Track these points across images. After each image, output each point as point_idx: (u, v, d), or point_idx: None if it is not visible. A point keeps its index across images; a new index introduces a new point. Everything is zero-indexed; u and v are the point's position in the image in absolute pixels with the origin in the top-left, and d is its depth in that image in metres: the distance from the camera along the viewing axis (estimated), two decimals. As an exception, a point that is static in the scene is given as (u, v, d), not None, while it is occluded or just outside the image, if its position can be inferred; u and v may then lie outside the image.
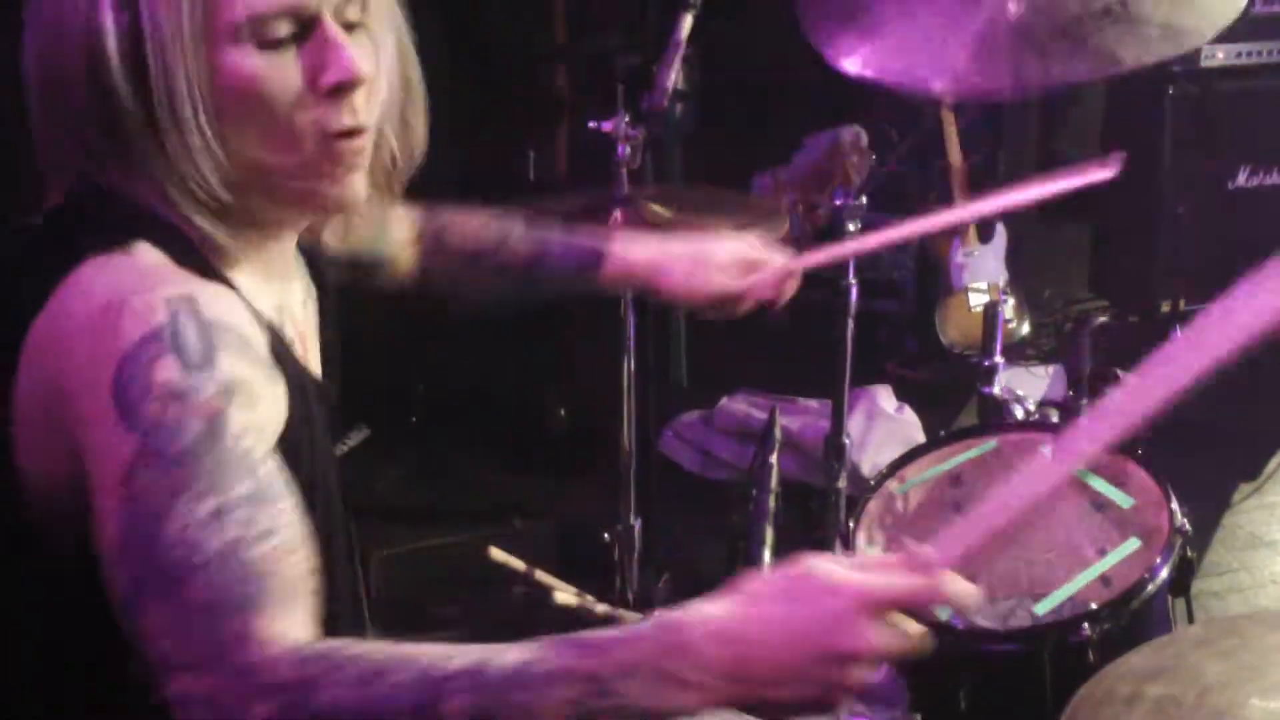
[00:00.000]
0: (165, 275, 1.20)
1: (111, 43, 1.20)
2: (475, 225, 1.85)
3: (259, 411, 1.19)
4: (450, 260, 1.78)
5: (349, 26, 1.28)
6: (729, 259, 1.78)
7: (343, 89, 1.26)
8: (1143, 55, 2.04)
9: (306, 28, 1.24)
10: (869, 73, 2.04)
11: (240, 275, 1.31)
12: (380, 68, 1.32)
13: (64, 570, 1.21)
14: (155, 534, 1.12)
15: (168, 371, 1.14)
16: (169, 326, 1.15)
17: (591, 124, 2.50)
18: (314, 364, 1.48)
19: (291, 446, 1.24)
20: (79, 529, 1.17)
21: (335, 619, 1.32)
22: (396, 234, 1.77)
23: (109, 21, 1.20)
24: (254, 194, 1.28)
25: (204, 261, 1.26)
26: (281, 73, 1.24)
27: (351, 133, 1.28)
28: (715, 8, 2.62)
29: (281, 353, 1.29)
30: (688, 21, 2.47)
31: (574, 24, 4.11)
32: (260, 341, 1.24)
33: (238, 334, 1.20)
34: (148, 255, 1.22)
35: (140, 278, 1.19)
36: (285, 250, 1.40)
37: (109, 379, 1.14)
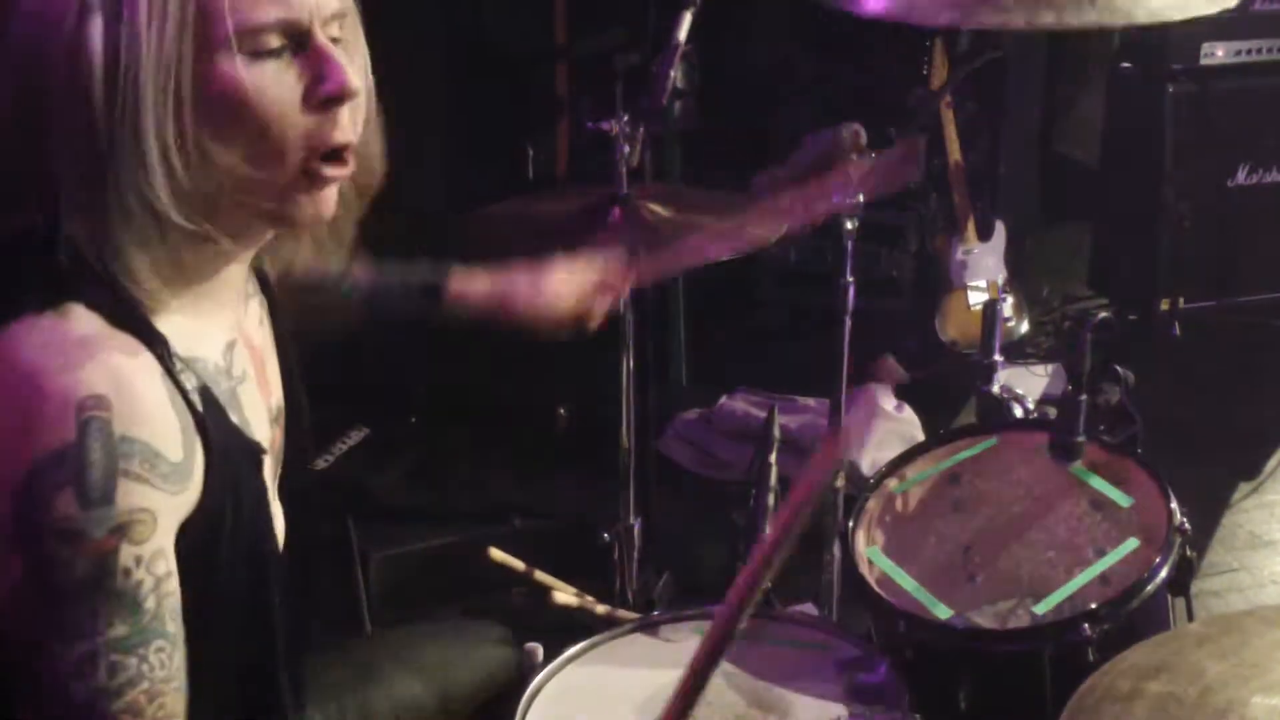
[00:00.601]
0: (90, 352, 1.20)
1: (97, 51, 1.19)
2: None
3: (154, 536, 1.22)
4: (291, 292, 1.78)
5: (334, 40, 1.30)
6: (568, 281, 1.81)
7: (335, 101, 1.27)
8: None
9: (298, 42, 1.26)
10: (885, 8, 2.04)
11: (183, 317, 1.31)
12: (361, 83, 1.33)
13: None
14: (28, 663, 1.19)
15: (66, 506, 1.17)
16: (76, 450, 1.17)
17: (591, 123, 2.50)
18: (274, 388, 1.49)
19: (203, 527, 1.27)
20: None
21: (265, 674, 1.40)
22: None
23: (97, 31, 1.20)
24: (223, 211, 1.28)
25: (140, 320, 1.26)
26: (274, 83, 1.25)
27: (338, 151, 1.30)
28: (715, 7, 2.62)
29: (211, 423, 1.29)
30: (687, 21, 2.47)
31: (574, 24, 4.11)
32: (174, 440, 1.24)
33: (146, 448, 1.21)
34: (79, 321, 1.22)
35: (64, 354, 1.19)
36: (241, 271, 1.41)
37: (8, 493, 1.17)
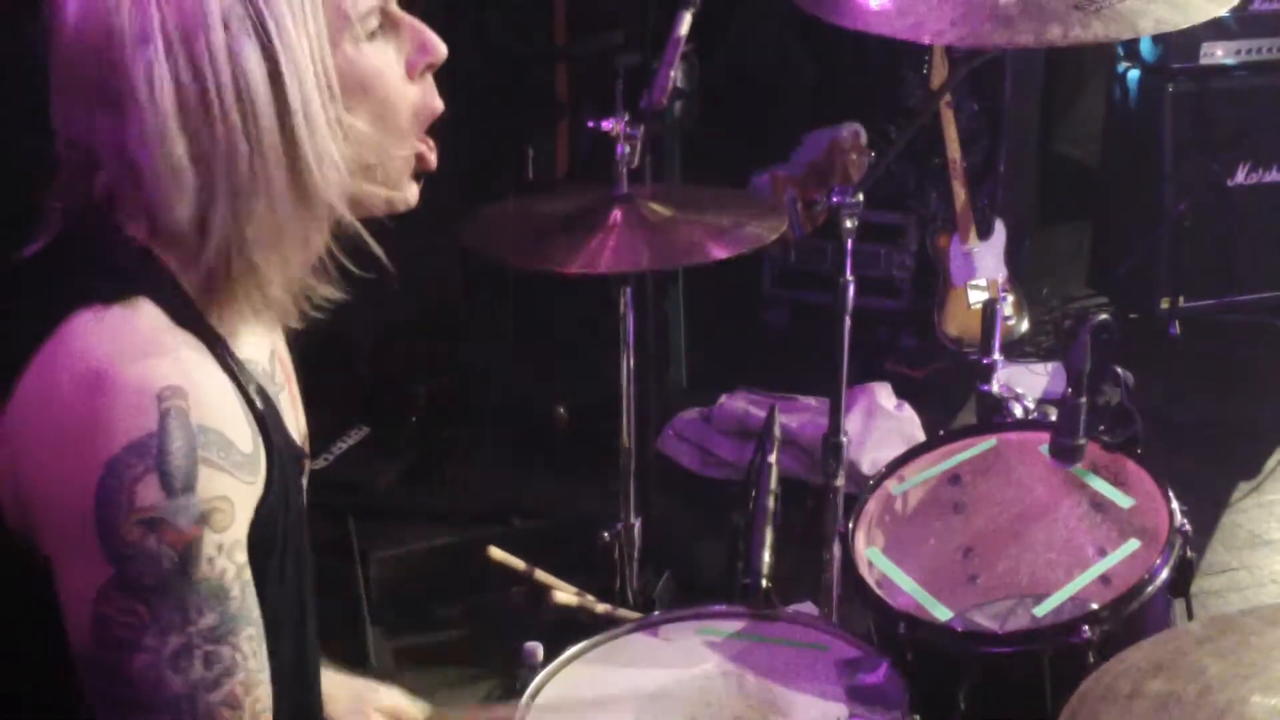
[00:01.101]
0: (161, 345, 1.21)
1: (259, 78, 1.20)
2: None
3: (234, 525, 1.22)
4: None
5: None
6: (385, 707, 1.82)
7: (435, 67, 1.32)
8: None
9: (389, 19, 1.30)
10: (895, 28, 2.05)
11: (236, 321, 1.32)
12: None
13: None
14: (121, 662, 1.18)
15: (150, 494, 1.16)
16: (157, 438, 1.17)
17: (591, 123, 2.50)
18: (300, 412, 1.50)
19: (266, 522, 1.28)
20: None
21: (304, 677, 1.41)
22: None
23: (253, 55, 1.20)
24: (331, 197, 1.28)
25: (199, 319, 1.26)
26: (386, 59, 1.29)
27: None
28: (715, 6, 2.62)
29: (269, 420, 1.30)
30: (687, 20, 2.47)
31: (574, 24, 4.11)
32: (244, 432, 1.24)
33: (221, 438, 1.21)
34: (146, 314, 1.22)
35: (136, 346, 1.19)
36: (293, 288, 1.40)
37: (93, 484, 1.16)
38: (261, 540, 1.27)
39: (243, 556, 1.23)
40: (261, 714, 1.25)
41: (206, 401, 1.20)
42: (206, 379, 1.22)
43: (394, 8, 1.30)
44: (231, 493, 1.21)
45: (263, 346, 1.38)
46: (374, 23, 1.27)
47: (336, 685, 1.75)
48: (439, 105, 1.34)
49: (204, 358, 1.24)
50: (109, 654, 1.18)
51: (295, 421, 1.46)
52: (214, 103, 1.20)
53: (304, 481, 1.43)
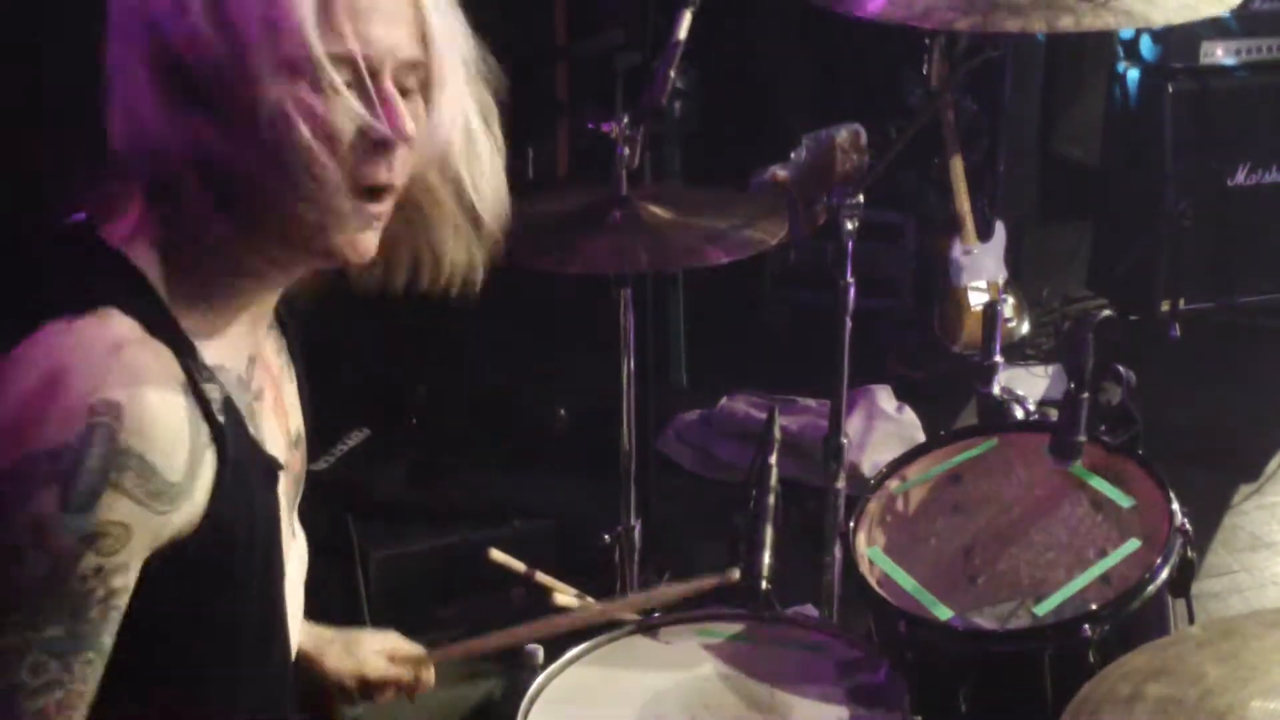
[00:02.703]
0: (119, 359, 1.21)
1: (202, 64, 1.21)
2: None
3: (123, 552, 1.22)
4: None
5: (404, 91, 1.30)
6: (377, 647, 1.82)
7: (388, 146, 1.28)
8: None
9: (364, 80, 1.26)
10: (904, 15, 2.04)
11: (211, 327, 1.32)
12: (421, 133, 1.33)
13: None
14: None
15: (45, 504, 1.17)
16: (74, 450, 1.17)
17: (591, 124, 2.49)
18: (292, 414, 1.50)
19: (225, 543, 1.28)
20: None
21: (270, 684, 1.41)
22: None
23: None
24: (270, 237, 1.29)
25: (171, 326, 1.26)
26: (337, 116, 1.25)
27: (382, 190, 1.31)
28: (716, 6, 2.61)
29: (229, 434, 1.29)
30: (687, 20, 2.46)
31: (574, 24, 4.11)
32: (178, 460, 1.24)
33: (142, 464, 1.21)
34: (114, 325, 1.22)
35: (93, 357, 1.20)
36: (271, 301, 1.42)
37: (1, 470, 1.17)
38: (213, 559, 1.27)
39: (121, 582, 1.23)
40: None
41: (142, 424, 1.20)
42: (153, 401, 1.22)
43: (382, 77, 1.27)
44: (133, 520, 1.21)
45: (240, 353, 1.38)
46: (339, 76, 1.24)
47: (326, 639, 1.76)
48: (370, 178, 1.29)
49: (163, 375, 1.23)
50: None
51: (281, 426, 1.45)
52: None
53: (280, 490, 1.41)
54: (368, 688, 1.79)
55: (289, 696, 1.50)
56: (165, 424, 1.23)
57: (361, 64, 1.25)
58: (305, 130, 1.23)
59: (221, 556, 1.29)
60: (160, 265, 1.27)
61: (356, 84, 1.26)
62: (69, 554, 1.19)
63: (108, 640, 1.24)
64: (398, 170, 1.31)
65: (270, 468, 1.39)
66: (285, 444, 1.45)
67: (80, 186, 1.29)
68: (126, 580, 1.23)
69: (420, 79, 1.32)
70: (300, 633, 1.74)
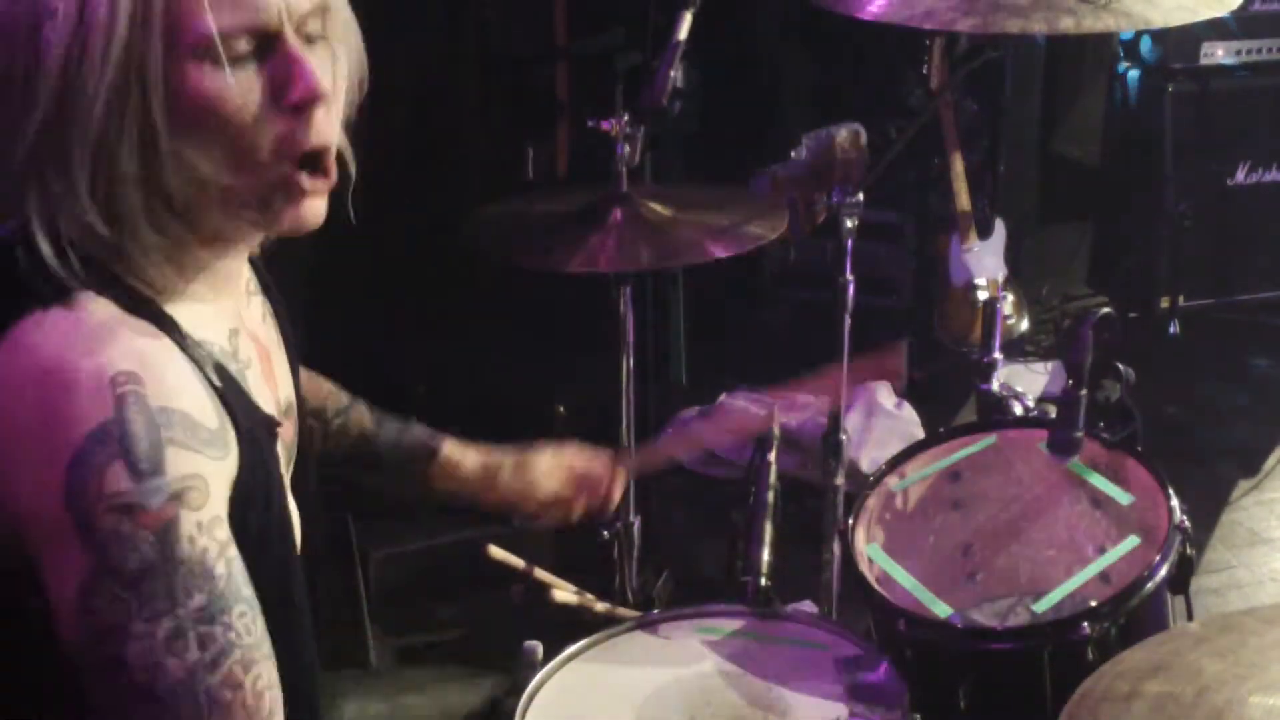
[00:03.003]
0: (111, 333, 1.20)
1: (53, 54, 1.18)
2: (325, 387, 1.89)
3: (210, 502, 1.21)
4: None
5: (309, 39, 1.28)
6: (554, 466, 1.82)
7: (305, 106, 1.25)
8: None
9: (267, 44, 1.24)
10: (905, 17, 2.04)
11: (187, 305, 1.30)
12: (339, 82, 1.31)
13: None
14: (115, 653, 1.17)
15: (118, 481, 1.16)
16: (117, 422, 1.16)
17: (591, 123, 2.50)
18: (282, 383, 1.49)
19: (243, 500, 1.27)
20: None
21: (292, 644, 1.37)
22: None
23: (55, 34, 1.18)
24: (207, 214, 1.27)
25: (148, 305, 1.25)
26: (243, 89, 1.23)
27: (316, 157, 1.29)
28: (716, 6, 2.62)
29: (230, 397, 1.29)
30: (688, 20, 2.47)
31: (574, 24, 4.11)
32: (207, 407, 1.24)
33: (184, 417, 1.20)
34: (90, 307, 1.21)
35: (83, 338, 1.19)
36: (239, 266, 1.41)
37: (61, 479, 1.15)
38: (243, 512, 1.26)
39: (224, 533, 1.22)
40: (264, 691, 1.23)
41: (164, 383, 1.20)
42: (162, 361, 1.21)
43: (285, 36, 1.24)
44: (203, 470, 1.21)
45: (220, 327, 1.37)
46: (243, 47, 1.22)
47: (497, 465, 1.83)
48: (308, 143, 1.27)
49: (157, 340, 1.23)
50: (102, 646, 1.17)
51: (272, 397, 1.45)
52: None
53: (279, 448, 1.41)
54: (555, 504, 1.81)
55: (310, 662, 1.47)
56: (183, 379, 1.22)
57: (260, 29, 1.22)
58: (223, 111, 1.22)
59: (248, 517, 1.27)
60: (124, 253, 1.25)
61: (261, 52, 1.24)
62: (164, 519, 1.17)
63: (248, 590, 1.23)
64: (324, 129, 1.28)
65: (270, 427, 1.38)
66: (276, 412, 1.45)
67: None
68: (228, 532, 1.22)
69: (323, 22, 1.29)
70: (470, 464, 1.80)
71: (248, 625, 1.22)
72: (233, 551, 1.23)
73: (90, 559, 1.16)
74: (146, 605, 1.17)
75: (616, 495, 1.86)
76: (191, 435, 1.20)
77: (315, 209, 1.32)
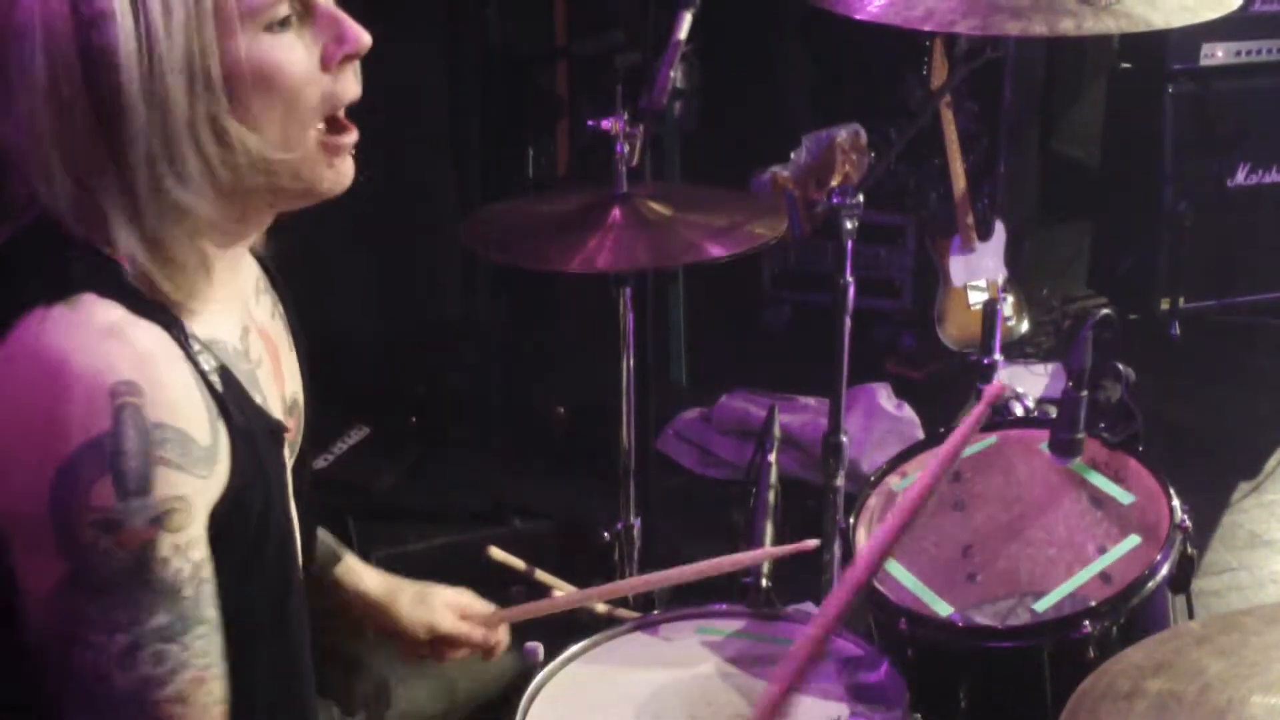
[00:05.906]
0: (115, 338, 1.20)
1: (120, 53, 1.19)
2: None
3: (191, 524, 1.22)
4: None
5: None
6: (451, 602, 1.83)
7: (354, 58, 1.30)
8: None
9: (305, 7, 1.27)
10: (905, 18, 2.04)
11: (196, 303, 1.30)
12: None
13: None
14: (69, 658, 1.19)
15: (104, 496, 1.17)
16: (111, 436, 1.16)
17: (591, 123, 2.50)
18: (289, 380, 1.49)
19: (235, 505, 1.27)
20: None
21: (289, 644, 1.40)
22: None
23: (116, 34, 1.19)
24: (249, 196, 1.29)
25: (153, 305, 1.25)
26: (292, 52, 1.26)
27: (338, 121, 1.32)
28: (715, 7, 2.62)
29: (229, 399, 1.29)
30: (688, 20, 2.47)
31: (574, 24, 4.11)
32: (202, 422, 1.24)
33: (178, 434, 1.21)
34: (94, 308, 1.21)
35: (88, 341, 1.19)
36: (247, 263, 1.42)
37: (49, 484, 1.16)
38: (229, 526, 1.27)
39: (199, 554, 1.23)
40: (211, 706, 1.25)
41: (162, 396, 1.20)
42: (163, 370, 1.21)
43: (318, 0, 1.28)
44: (188, 491, 1.21)
45: (232, 325, 1.37)
46: (283, 11, 1.25)
47: (398, 587, 1.79)
48: (351, 93, 1.31)
49: (160, 345, 1.23)
50: (59, 649, 1.20)
51: (279, 394, 1.45)
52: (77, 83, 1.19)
53: (286, 451, 1.42)
54: (439, 642, 1.80)
55: (305, 669, 1.48)
56: (182, 391, 1.23)
57: None
58: (280, 75, 1.25)
59: (239, 524, 1.29)
60: (133, 252, 1.25)
61: (300, 14, 1.27)
62: (144, 539, 1.19)
63: (212, 612, 1.25)
64: (358, 81, 1.32)
65: (277, 431, 1.39)
66: (281, 410, 1.45)
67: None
68: (204, 551, 1.24)
69: None
70: (371, 579, 1.77)
71: (204, 646, 1.24)
72: (206, 572, 1.24)
73: (65, 566, 1.18)
74: (108, 618, 1.19)
75: (502, 647, 1.87)
76: (183, 454, 1.21)
77: (349, 166, 1.35)
